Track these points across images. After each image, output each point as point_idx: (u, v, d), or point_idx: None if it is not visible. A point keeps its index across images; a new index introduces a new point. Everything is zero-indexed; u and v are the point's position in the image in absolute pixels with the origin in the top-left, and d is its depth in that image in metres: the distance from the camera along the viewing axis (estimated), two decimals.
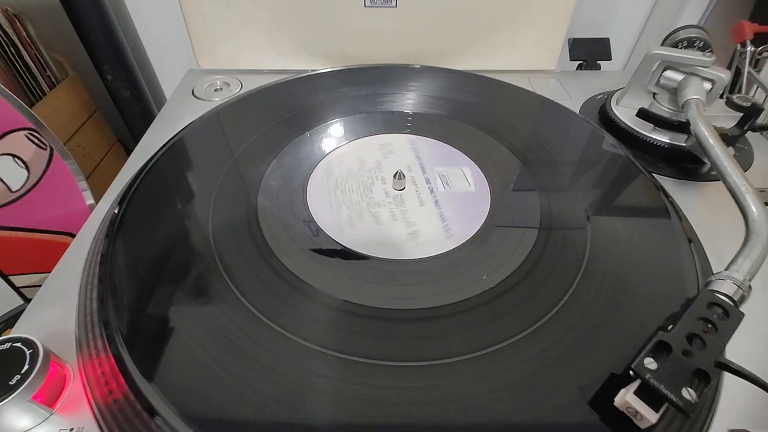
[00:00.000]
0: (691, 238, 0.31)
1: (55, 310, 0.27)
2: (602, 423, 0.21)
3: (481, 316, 0.26)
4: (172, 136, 0.39)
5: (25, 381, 0.20)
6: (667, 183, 0.37)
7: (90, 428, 0.22)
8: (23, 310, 0.27)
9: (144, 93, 0.67)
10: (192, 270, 0.28)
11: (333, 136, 0.41)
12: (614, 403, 0.21)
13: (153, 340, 0.24)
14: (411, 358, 0.24)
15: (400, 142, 0.40)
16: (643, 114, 0.39)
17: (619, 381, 0.22)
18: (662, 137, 0.39)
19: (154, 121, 0.44)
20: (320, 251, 0.30)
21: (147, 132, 0.42)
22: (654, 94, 0.41)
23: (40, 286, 0.29)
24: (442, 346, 0.24)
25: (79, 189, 0.36)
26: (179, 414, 0.21)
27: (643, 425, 0.20)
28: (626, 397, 0.20)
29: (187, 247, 0.30)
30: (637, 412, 0.20)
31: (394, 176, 0.34)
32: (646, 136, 0.40)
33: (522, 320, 0.25)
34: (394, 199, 0.35)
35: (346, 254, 0.30)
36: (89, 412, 0.23)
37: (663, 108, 0.40)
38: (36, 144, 0.40)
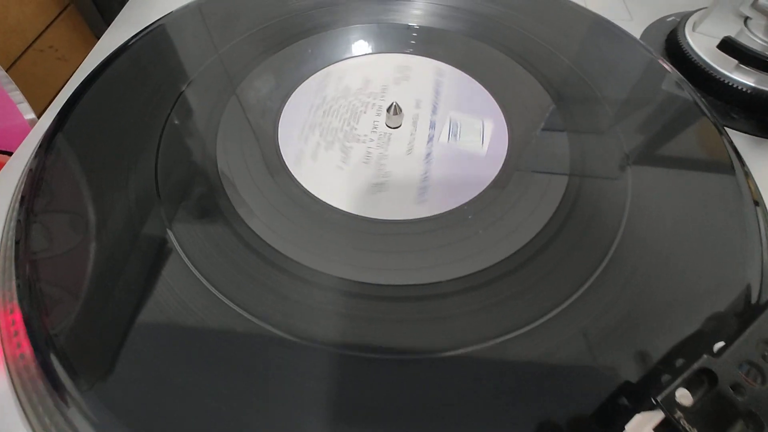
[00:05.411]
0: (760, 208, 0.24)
1: None
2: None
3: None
4: (131, 36, 0.33)
5: None
6: (740, 140, 0.29)
7: (4, 391, 0.19)
8: None
9: None
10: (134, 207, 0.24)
11: (341, 44, 0.33)
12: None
13: (68, 289, 0.20)
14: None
15: (425, 69, 0.32)
16: (727, 45, 0.30)
17: (637, 395, 0.17)
18: (746, 79, 0.30)
19: (116, 19, 0.37)
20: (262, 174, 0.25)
21: (105, 32, 0.36)
22: (746, 19, 0.31)
23: None
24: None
25: (11, 100, 0.30)
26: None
27: None
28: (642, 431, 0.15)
29: (130, 170, 0.25)
30: None
31: (388, 110, 0.27)
32: (724, 75, 0.31)
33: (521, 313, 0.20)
34: (380, 137, 0.28)
35: (290, 188, 0.25)
36: (3, 372, 0.19)
37: (756, 39, 0.30)
38: None
